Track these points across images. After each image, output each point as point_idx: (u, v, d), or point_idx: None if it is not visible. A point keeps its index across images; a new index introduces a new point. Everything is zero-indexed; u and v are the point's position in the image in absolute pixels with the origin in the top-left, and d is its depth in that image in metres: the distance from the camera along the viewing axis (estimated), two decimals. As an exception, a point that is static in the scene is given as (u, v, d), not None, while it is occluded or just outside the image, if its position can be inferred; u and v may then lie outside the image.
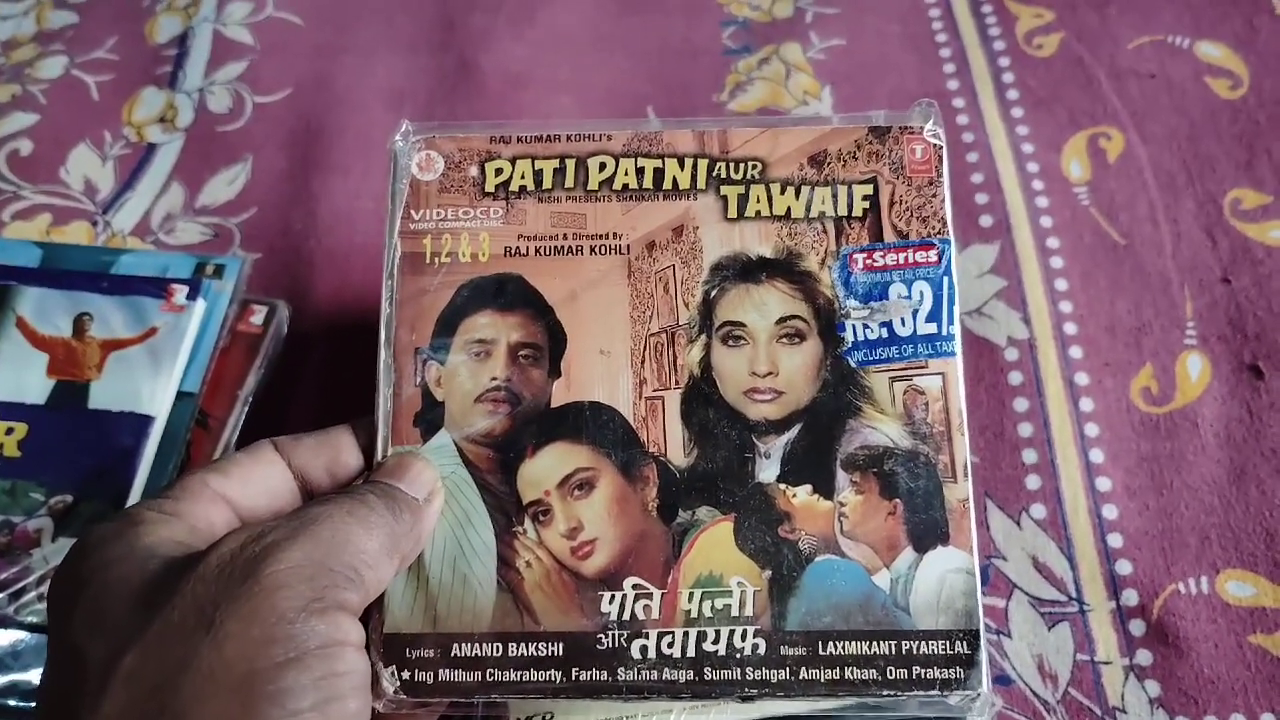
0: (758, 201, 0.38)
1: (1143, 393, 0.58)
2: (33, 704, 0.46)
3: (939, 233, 0.38)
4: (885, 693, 0.35)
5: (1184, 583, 0.52)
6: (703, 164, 0.38)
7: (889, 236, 0.38)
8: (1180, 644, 0.50)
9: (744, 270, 0.38)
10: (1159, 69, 0.70)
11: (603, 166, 0.39)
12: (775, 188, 0.38)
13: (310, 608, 0.29)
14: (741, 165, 0.38)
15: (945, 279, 0.37)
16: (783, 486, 0.37)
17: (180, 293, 0.55)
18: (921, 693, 0.34)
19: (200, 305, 0.55)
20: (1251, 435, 0.56)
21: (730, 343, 0.37)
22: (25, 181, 0.68)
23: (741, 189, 0.38)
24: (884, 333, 0.36)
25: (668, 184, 0.38)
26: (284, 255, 0.64)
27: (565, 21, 0.76)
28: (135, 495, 0.50)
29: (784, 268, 0.38)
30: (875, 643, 0.35)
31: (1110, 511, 0.54)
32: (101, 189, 0.67)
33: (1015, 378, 0.59)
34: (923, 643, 0.35)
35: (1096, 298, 0.61)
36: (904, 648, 0.35)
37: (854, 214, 0.38)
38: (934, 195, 0.38)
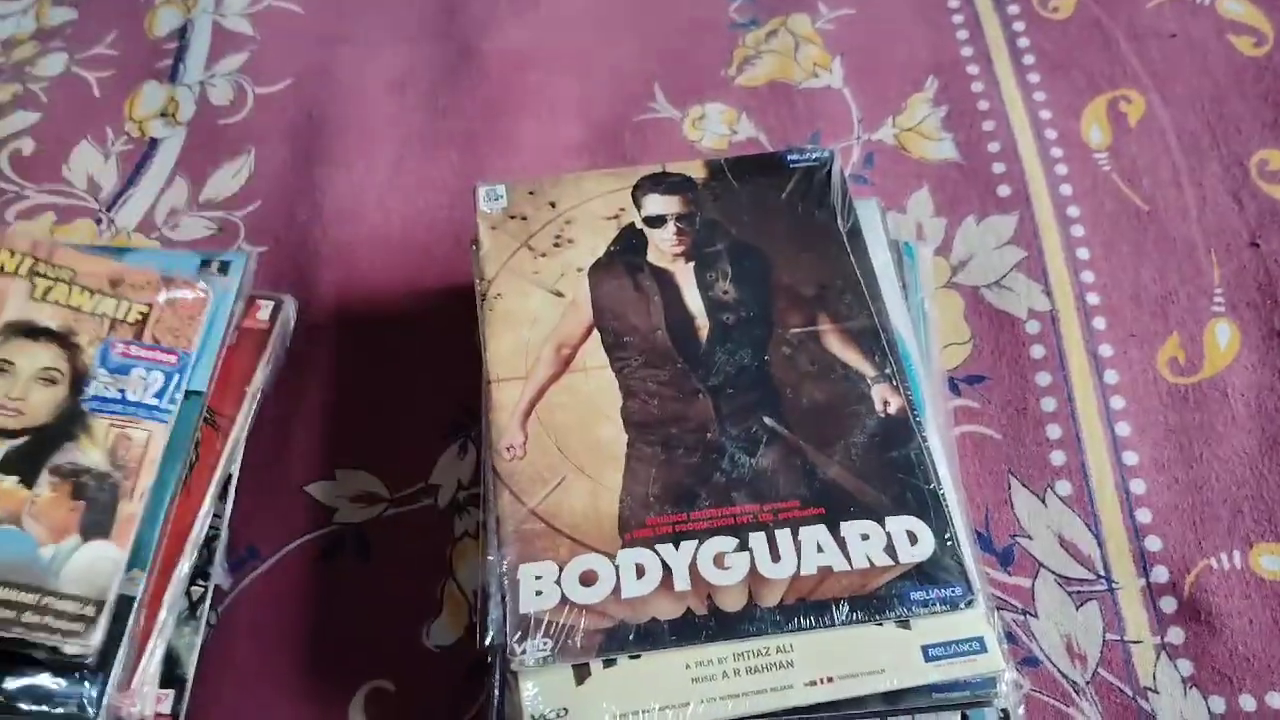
0: (60, 295, 0.52)
1: (1170, 363, 0.56)
2: (44, 707, 0.45)
3: (185, 347, 0.53)
4: (15, 631, 0.44)
5: (1216, 558, 0.51)
6: (26, 259, 0.53)
7: (147, 339, 0.52)
8: (1213, 621, 0.49)
9: (29, 331, 0.51)
10: (1179, 28, 0.68)
11: None
12: (77, 289, 0.53)
13: None
14: (57, 268, 0.53)
15: (177, 375, 0.52)
16: None
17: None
18: (46, 637, 0.44)
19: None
20: (1283, 404, 0.54)
21: None
22: (28, 181, 0.67)
23: (50, 283, 0.53)
24: (119, 394, 0.50)
25: None
26: (290, 247, 0.64)
27: (567, 5, 0.74)
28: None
29: (60, 337, 0.52)
30: (23, 593, 0.45)
31: (1138, 486, 0.53)
32: (104, 186, 0.67)
33: (1037, 351, 0.57)
34: (58, 600, 0.45)
35: (1120, 266, 0.60)
36: (43, 601, 0.45)
37: (129, 320, 0.53)
38: (190, 324, 0.53)
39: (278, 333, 0.57)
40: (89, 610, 0.45)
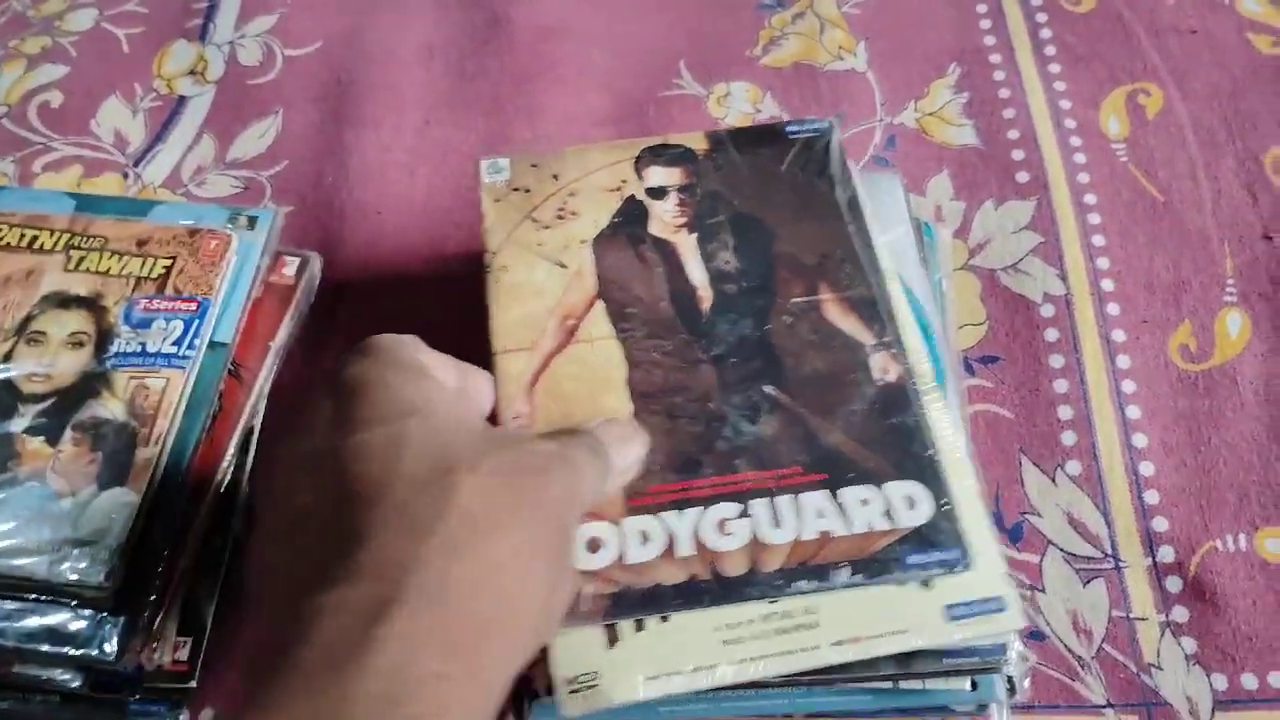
0: (92, 263, 0.54)
1: (1181, 350, 0.57)
2: (65, 648, 0.46)
3: (206, 293, 0.54)
4: (37, 576, 0.46)
5: (1221, 540, 0.52)
6: (64, 236, 0.55)
7: (169, 291, 0.54)
8: (1217, 601, 0.50)
9: (62, 301, 0.53)
10: (1199, 24, 0.69)
11: None
12: (107, 255, 0.54)
13: (580, 501, 0.39)
14: (90, 239, 0.55)
15: (197, 321, 0.53)
16: (24, 436, 0.49)
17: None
18: (64, 581, 0.46)
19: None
20: (1292, 393, 0.55)
21: (29, 344, 0.52)
22: (56, 133, 0.68)
23: (83, 254, 0.54)
24: (139, 348, 0.52)
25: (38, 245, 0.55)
26: (315, 208, 0.64)
27: (596, -24, 0.75)
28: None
29: (88, 302, 0.53)
30: (42, 542, 0.46)
31: (1147, 468, 0.54)
32: (132, 141, 0.67)
33: (1051, 334, 0.58)
34: (74, 546, 0.46)
35: (1134, 254, 0.60)
36: (60, 548, 0.46)
37: (152, 276, 0.54)
38: (212, 270, 0.54)
39: (303, 289, 0.58)
40: (103, 553, 0.46)
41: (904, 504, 0.43)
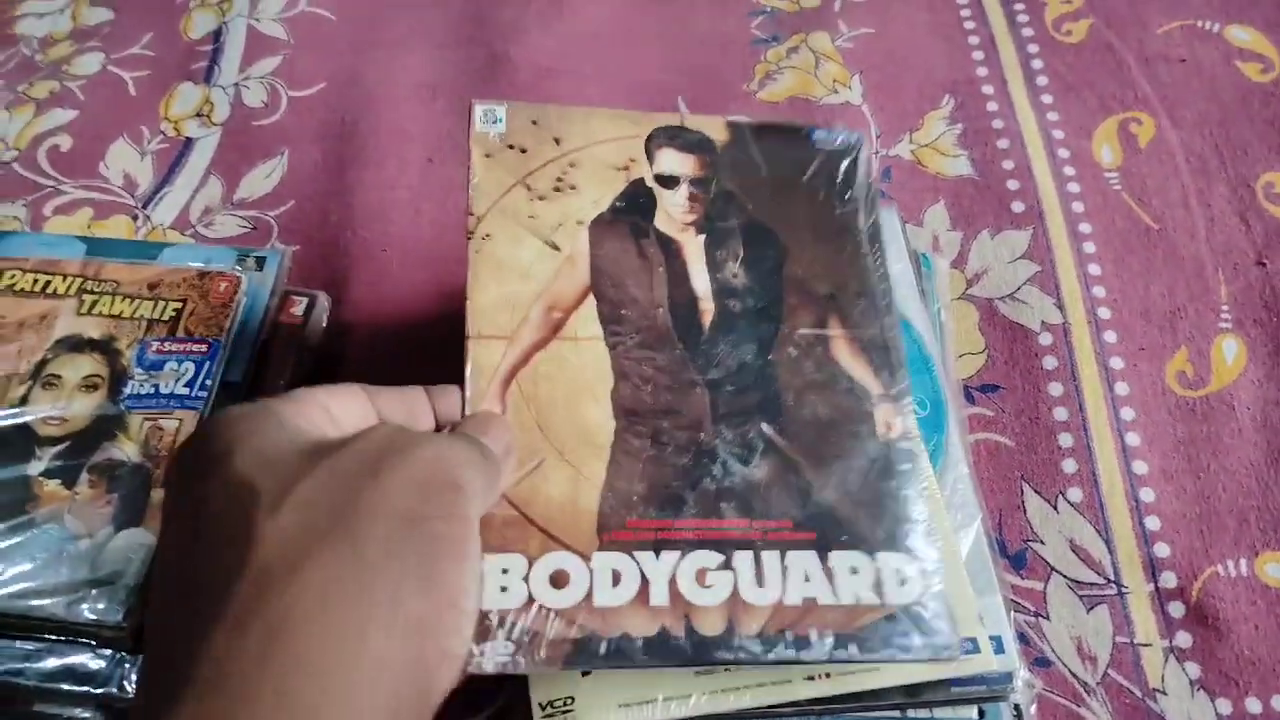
0: (104, 306, 0.54)
1: (1178, 376, 0.58)
2: (85, 687, 0.47)
3: (216, 335, 0.54)
4: (56, 619, 0.46)
5: (1223, 565, 0.52)
6: (76, 281, 0.55)
7: (180, 334, 0.54)
8: (1220, 626, 0.51)
9: (75, 345, 0.54)
10: (1189, 53, 0.70)
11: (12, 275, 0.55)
12: (119, 298, 0.55)
13: (454, 485, 0.35)
14: (102, 283, 0.55)
15: (208, 363, 0.53)
16: (40, 479, 0.49)
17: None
18: (84, 622, 0.46)
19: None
20: (1288, 418, 0.56)
21: (44, 387, 0.52)
22: (66, 177, 0.69)
23: (95, 297, 0.55)
24: (152, 390, 0.53)
25: (50, 290, 0.55)
26: (321, 247, 0.65)
27: (594, 14, 0.76)
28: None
29: (101, 345, 0.54)
30: (60, 583, 0.46)
31: (1147, 494, 0.55)
32: (141, 183, 0.68)
33: (1049, 362, 0.59)
34: (93, 587, 0.46)
35: (1130, 282, 0.61)
36: (79, 590, 0.46)
37: (164, 319, 0.54)
38: (223, 312, 0.55)
39: (311, 328, 0.59)
40: (120, 593, 0.47)
41: (894, 578, 0.40)
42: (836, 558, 0.40)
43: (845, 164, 0.50)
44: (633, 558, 0.39)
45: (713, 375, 0.44)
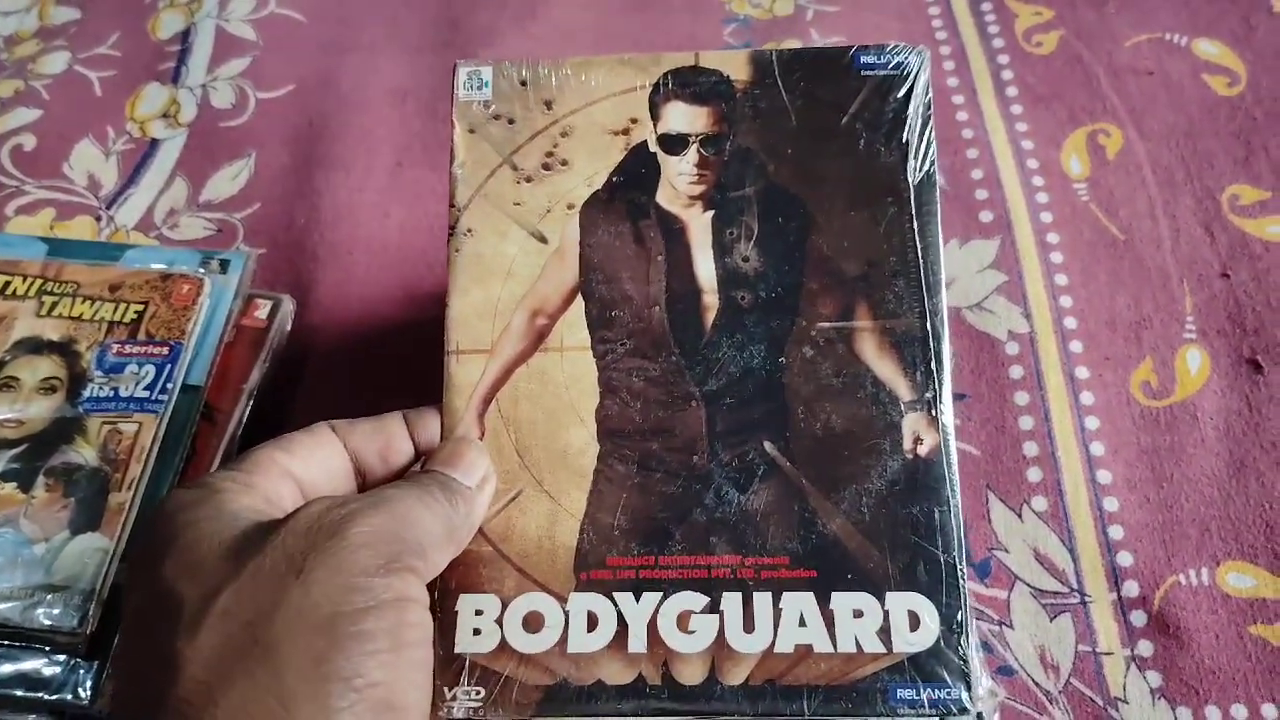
0: (64, 308, 0.53)
1: (1143, 386, 0.58)
2: (39, 693, 0.46)
3: (178, 338, 0.53)
4: (11, 623, 0.45)
5: (1184, 574, 0.52)
6: (36, 282, 0.54)
7: (141, 336, 0.53)
8: (1181, 635, 0.51)
9: (34, 347, 0.53)
10: (1157, 66, 0.71)
11: None
12: (79, 300, 0.54)
13: (388, 566, 0.32)
14: (63, 284, 0.54)
15: (169, 365, 0.53)
16: None
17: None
18: (39, 627, 0.45)
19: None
20: (1251, 428, 0.56)
21: (1, 389, 0.51)
22: (29, 176, 0.68)
23: (56, 299, 0.53)
24: (112, 393, 0.52)
25: (10, 291, 0.54)
26: (287, 250, 0.64)
27: (568, 18, 0.76)
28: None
29: (60, 347, 0.52)
30: (16, 588, 0.45)
31: (1111, 504, 0.55)
32: (105, 184, 0.68)
33: (1016, 371, 0.59)
34: (48, 592, 0.46)
35: (1096, 292, 0.62)
36: (34, 594, 0.45)
37: (125, 321, 0.53)
38: (184, 315, 0.53)
39: (275, 331, 0.58)
40: (76, 599, 0.46)
41: (905, 622, 0.37)
42: (839, 600, 0.37)
43: (898, 95, 0.42)
44: (611, 599, 0.37)
45: (711, 386, 0.40)
